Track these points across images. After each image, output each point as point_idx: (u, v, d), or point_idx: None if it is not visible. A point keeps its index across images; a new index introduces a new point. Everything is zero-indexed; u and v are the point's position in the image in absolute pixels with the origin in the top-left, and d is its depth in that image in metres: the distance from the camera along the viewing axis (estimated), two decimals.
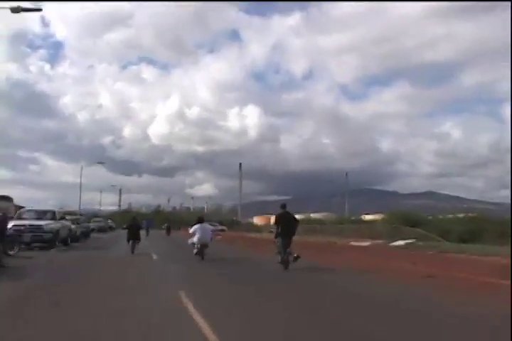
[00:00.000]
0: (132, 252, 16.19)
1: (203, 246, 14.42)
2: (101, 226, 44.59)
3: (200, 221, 15.15)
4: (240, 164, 71.99)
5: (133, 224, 17.80)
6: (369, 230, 31.97)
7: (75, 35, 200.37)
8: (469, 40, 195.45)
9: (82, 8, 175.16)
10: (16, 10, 18.42)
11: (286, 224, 11.70)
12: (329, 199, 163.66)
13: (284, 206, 12.22)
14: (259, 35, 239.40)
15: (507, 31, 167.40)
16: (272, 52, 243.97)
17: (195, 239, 14.54)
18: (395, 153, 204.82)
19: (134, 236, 16.79)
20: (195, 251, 14.63)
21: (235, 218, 79.18)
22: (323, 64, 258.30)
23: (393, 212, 41.38)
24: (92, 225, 37.81)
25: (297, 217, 57.19)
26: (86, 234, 28.38)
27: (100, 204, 74.62)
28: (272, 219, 21.43)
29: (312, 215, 73.46)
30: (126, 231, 18.25)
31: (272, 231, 20.76)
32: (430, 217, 41.54)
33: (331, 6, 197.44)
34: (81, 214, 41.65)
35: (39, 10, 20.25)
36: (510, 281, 7.46)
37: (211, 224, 39.53)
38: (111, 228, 53.08)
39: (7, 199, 37.03)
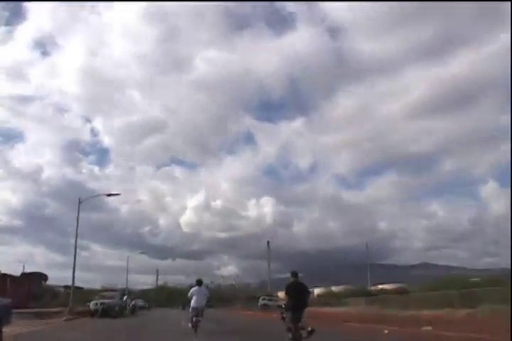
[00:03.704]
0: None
1: (198, 316, 13.31)
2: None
3: (198, 283, 14.24)
4: (268, 242, 66.60)
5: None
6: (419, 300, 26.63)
7: (118, 142, 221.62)
8: (445, 133, 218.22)
9: (124, 120, 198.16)
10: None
11: (298, 295, 9.99)
12: (337, 273, 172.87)
13: (295, 274, 10.34)
14: (269, 138, 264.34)
15: (479, 122, 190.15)
16: (281, 151, 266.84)
17: (192, 302, 13.66)
18: (391, 231, 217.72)
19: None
20: (189, 325, 13.46)
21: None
22: (324, 159, 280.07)
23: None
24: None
25: (318, 290, 64.71)
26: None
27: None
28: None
29: (333, 288, 79.62)
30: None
31: (280, 306, 16.64)
32: None
33: (329, 109, 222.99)
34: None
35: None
36: None
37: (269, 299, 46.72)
38: (127, 308, 32.16)
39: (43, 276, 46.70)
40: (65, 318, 21.44)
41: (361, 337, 13.90)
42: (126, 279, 59.70)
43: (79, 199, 27.71)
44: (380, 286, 71.19)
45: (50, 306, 33.17)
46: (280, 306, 14.20)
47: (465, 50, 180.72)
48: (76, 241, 27.13)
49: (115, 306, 25.93)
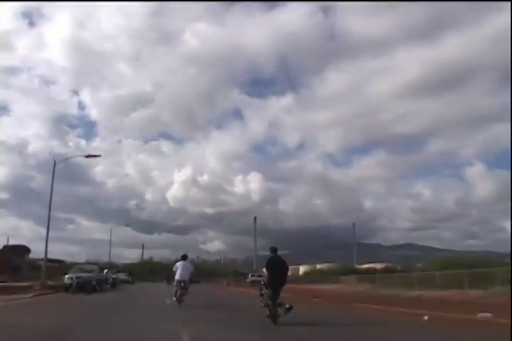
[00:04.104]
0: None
1: (183, 290, 13.45)
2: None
3: (183, 258, 14.50)
4: (255, 218, 69.20)
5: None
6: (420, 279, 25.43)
7: (105, 116, 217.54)
8: (434, 114, 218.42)
9: (112, 93, 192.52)
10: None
11: (277, 271, 9.69)
12: (323, 251, 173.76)
13: (274, 250, 10.07)
14: (258, 114, 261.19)
15: (467, 105, 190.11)
16: (269, 127, 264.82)
17: (176, 275, 13.81)
18: (377, 210, 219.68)
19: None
20: (173, 298, 13.74)
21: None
22: (313, 136, 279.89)
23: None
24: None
25: (303, 267, 69.19)
26: None
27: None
28: None
29: (318, 266, 79.40)
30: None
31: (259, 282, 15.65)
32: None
33: (319, 87, 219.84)
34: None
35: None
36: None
37: (258, 275, 45.74)
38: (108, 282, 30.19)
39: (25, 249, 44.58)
40: (32, 294, 19.11)
41: (412, 325, 9.77)
42: (109, 252, 57.89)
43: (54, 160, 25.16)
44: (367, 265, 71.52)
45: (28, 279, 31.17)
46: (259, 282, 13.32)
47: (456, 32, 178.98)
48: (50, 207, 25.15)
49: (92, 280, 23.76)
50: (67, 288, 22.69)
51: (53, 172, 25.52)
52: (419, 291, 21.68)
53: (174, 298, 13.68)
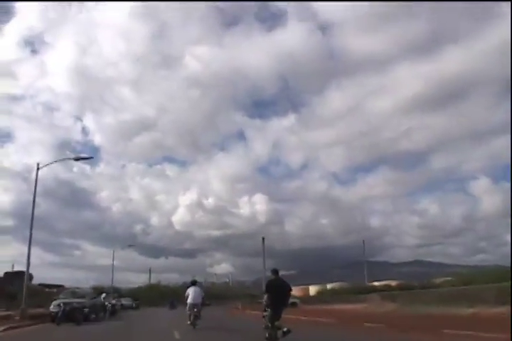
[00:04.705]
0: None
1: (196, 313, 14.23)
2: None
3: (193, 283, 15.39)
4: (263, 238, 70.92)
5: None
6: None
7: (109, 141, 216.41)
8: (437, 130, 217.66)
9: (115, 118, 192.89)
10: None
11: (278, 293, 9.70)
12: (330, 271, 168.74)
13: (275, 272, 10.06)
14: (261, 135, 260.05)
15: (470, 119, 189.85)
16: (273, 148, 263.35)
17: (188, 299, 14.53)
18: (383, 228, 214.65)
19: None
20: (188, 322, 14.50)
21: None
22: (316, 156, 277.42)
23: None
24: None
25: (313, 287, 60.66)
26: None
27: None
28: None
29: (328, 286, 76.16)
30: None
31: (260, 302, 18.10)
32: None
33: (320, 106, 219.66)
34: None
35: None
36: None
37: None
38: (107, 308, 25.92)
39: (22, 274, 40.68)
40: (5, 327, 15.31)
41: None
42: (112, 275, 53.83)
43: (37, 164, 22.14)
44: (381, 282, 69.31)
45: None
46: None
47: (456, 46, 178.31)
48: (32, 218, 21.87)
49: (84, 307, 19.72)
50: (53, 318, 18.77)
51: (36, 180, 22.42)
52: (468, 308, 18.23)
53: (188, 322, 14.39)
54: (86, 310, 19.69)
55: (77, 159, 24.37)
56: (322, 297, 56.73)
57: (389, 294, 34.49)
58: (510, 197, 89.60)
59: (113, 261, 53.83)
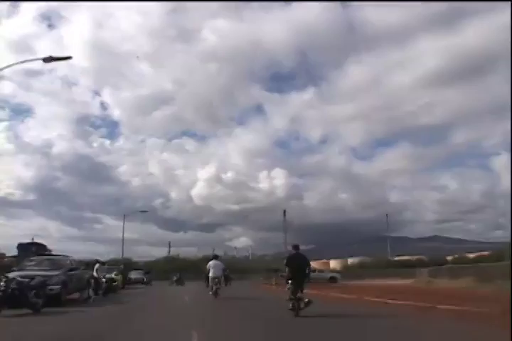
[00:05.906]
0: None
1: (216, 285, 15.29)
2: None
3: (215, 257, 16.43)
4: (284, 211, 64.30)
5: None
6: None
7: (128, 115, 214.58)
8: (457, 104, 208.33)
9: (133, 92, 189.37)
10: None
11: (298, 267, 10.15)
12: (350, 246, 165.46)
13: (296, 247, 10.68)
14: (279, 109, 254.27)
15: (490, 94, 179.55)
16: (292, 122, 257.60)
17: (210, 273, 15.64)
18: (403, 203, 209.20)
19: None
20: (210, 292, 15.58)
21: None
22: (335, 130, 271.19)
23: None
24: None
25: (334, 262, 59.66)
26: None
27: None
28: None
29: (349, 260, 73.05)
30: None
31: (282, 276, 19.10)
32: None
33: (339, 80, 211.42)
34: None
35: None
36: None
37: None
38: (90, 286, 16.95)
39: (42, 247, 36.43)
40: None
41: None
42: (122, 246, 49.18)
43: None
44: (404, 257, 68.43)
45: None
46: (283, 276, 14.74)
47: (477, 20, 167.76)
48: None
49: (44, 285, 12.20)
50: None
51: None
52: None
53: (210, 293, 15.34)
54: (55, 287, 12.94)
55: (45, 60, 17.39)
56: (354, 271, 54.03)
57: (435, 269, 30.21)
58: None
59: (123, 229, 49.49)
